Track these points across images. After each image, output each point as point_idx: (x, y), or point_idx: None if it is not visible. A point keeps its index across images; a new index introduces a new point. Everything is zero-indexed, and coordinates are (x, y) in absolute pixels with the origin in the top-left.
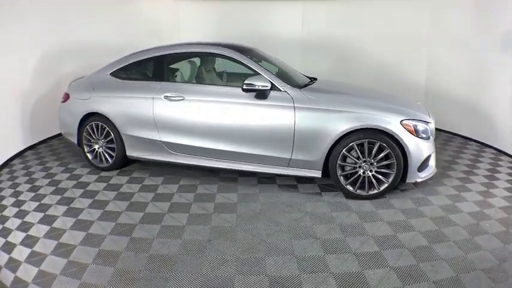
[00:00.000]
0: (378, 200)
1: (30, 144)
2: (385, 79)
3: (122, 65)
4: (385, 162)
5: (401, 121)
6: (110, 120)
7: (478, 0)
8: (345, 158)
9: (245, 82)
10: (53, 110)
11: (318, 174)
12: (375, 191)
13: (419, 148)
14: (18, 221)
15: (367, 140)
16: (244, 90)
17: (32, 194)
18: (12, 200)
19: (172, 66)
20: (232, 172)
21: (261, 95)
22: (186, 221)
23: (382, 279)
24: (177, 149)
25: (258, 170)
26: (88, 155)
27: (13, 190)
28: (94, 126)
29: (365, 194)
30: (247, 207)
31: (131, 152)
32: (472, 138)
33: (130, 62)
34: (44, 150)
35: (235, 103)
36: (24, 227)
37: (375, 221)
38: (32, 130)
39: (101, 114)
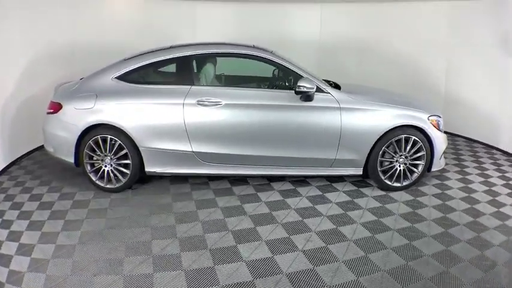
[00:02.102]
0: (410, 190)
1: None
2: (404, 82)
3: (132, 67)
4: (417, 155)
5: (428, 117)
6: (123, 132)
7: (496, 4)
8: (383, 154)
9: (298, 84)
10: (21, 124)
11: (359, 171)
12: (408, 182)
13: (441, 140)
14: (41, 276)
15: (404, 136)
16: (297, 92)
17: (38, 233)
18: (14, 246)
19: (200, 68)
20: (259, 178)
21: (307, 97)
22: (267, 234)
23: (465, 251)
24: (213, 159)
25: (299, 173)
26: (91, 175)
27: (7, 231)
28: (100, 140)
29: (400, 185)
30: (306, 213)
31: (152, 168)
32: (494, 146)
33: (143, 63)
34: (19, 173)
35: (282, 106)
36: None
37: (422, 207)
38: (3, 150)
39: (110, 125)
